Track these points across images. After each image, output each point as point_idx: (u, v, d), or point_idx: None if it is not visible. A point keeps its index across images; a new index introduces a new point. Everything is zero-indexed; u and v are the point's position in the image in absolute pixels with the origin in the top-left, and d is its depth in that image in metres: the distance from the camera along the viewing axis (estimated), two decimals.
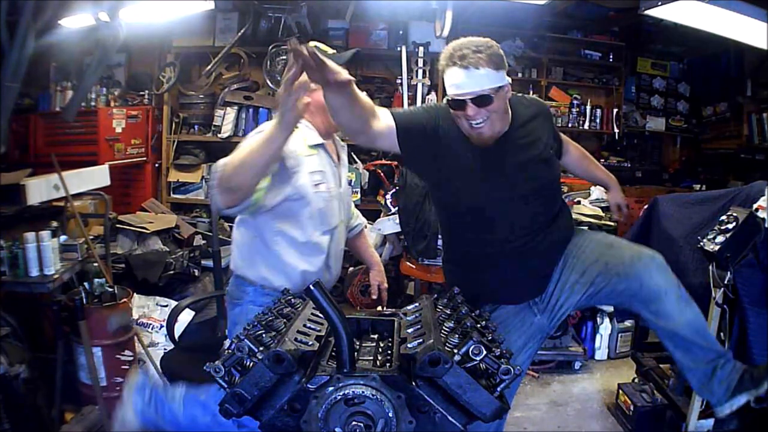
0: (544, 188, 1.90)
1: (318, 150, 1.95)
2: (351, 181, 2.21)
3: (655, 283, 1.86)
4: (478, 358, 1.16)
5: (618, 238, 2.10)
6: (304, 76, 1.45)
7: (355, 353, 1.26)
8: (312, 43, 1.90)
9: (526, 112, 1.91)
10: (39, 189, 2.91)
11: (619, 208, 2.33)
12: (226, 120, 4.84)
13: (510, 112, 1.85)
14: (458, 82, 1.69)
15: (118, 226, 3.73)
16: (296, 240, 1.90)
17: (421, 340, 1.22)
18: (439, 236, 3.44)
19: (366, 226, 2.52)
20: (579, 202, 3.99)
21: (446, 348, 1.18)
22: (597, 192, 4.03)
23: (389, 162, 4.11)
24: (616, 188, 2.33)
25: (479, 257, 1.93)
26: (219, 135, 4.89)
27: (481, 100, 1.69)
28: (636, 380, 3.19)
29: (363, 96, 1.59)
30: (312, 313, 1.42)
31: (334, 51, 1.96)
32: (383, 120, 1.72)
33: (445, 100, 1.79)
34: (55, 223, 2.90)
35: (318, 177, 1.91)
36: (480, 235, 1.88)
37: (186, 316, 3.14)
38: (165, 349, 3.05)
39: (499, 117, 1.77)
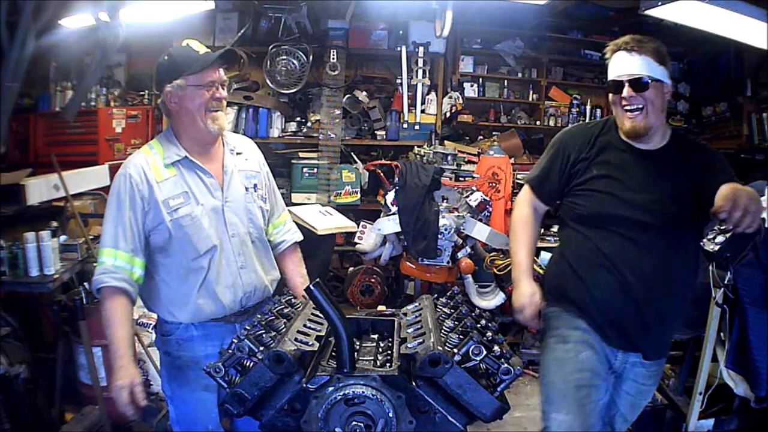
0: (674, 225, 1.78)
1: (177, 168, 1.81)
2: (255, 185, 1.93)
3: None
4: (478, 358, 1.16)
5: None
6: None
7: (355, 353, 1.26)
8: (185, 42, 1.84)
9: (687, 149, 1.86)
10: (39, 189, 2.91)
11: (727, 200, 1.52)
12: (226, 120, 4.84)
13: (667, 127, 1.87)
14: (619, 64, 1.79)
15: None
16: (169, 269, 1.82)
17: (421, 340, 1.22)
18: (434, 237, 3.45)
19: (296, 241, 2.13)
20: None
21: (446, 348, 1.18)
22: None
23: (389, 162, 4.11)
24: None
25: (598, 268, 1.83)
26: None
27: (637, 84, 1.75)
28: None
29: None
30: (312, 313, 1.41)
31: (208, 50, 1.83)
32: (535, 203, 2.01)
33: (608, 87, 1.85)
34: (55, 223, 2.90)
35: (177, 201, 1.78)
36: (606, 246, 1.80)
37: None
38: None
39: (654, 112, 1.78)
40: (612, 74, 1.81)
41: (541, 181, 1.98)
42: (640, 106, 1.76)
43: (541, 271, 3.15)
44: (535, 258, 3.27)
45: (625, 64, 1.77)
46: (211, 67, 1.79)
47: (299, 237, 2.14)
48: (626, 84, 1.77)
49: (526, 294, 1.91)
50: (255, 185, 1.95)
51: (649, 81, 1.75)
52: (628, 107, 1.78)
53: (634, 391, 1.90)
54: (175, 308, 1.83)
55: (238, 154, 1.96)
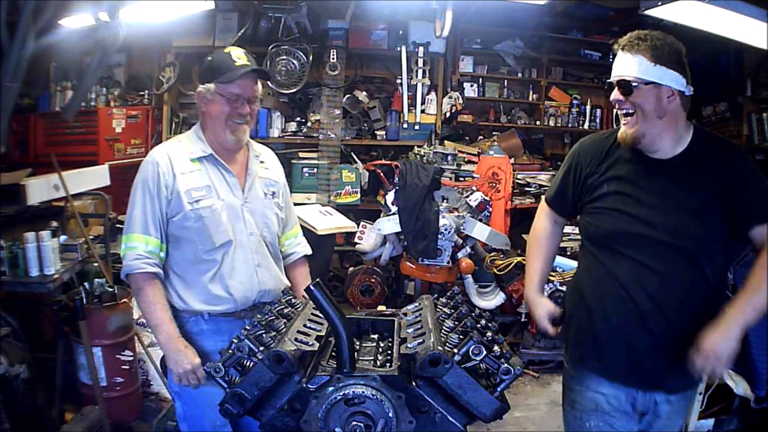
0: (694, 243, 1.61)
1: (202, 164, 1.85)
2: (273, 193, 2.00)
3: None
4: (478, 358, 1.17)
5: None
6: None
7: (355, 353, 1.26)
8: (228, 48, 1.85)
9: (710, 155, 1.66)
10: (39, 189, 2.91)
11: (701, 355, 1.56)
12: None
13: (685, 130, 1.68)
14: (614, 64, 1.66)
15: (118, 226, 3.72)
16: (178, 260, 1.84)
17: (421, 340, 1.22)
18: (434, 237, 3.45)
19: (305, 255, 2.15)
20: None
21: (446, 348, 1.18)
22: None
23: (389, 162, 4.11)
24: (719, 327, 1.54)
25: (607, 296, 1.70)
26: None
27: (623, 87, 1.61)
28: None
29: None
30: (312, 313, 1.42)
31: (247, 62, 1.82)
32: (554, 216, 1.97)
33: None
34: (55, 223, 2.90)
35: (200, 193, 1.82)
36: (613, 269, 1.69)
37: None
38: None
39: (645, 118, 1.61)
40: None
41: (558, 198, 1.90)
42: (630, 110, 1.63)
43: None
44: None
45: (616, 64, 1.65)
46: (241, 79, 1.79)
47: (309, 251, 2.18)
48: (615, 86, 1.64)
49: (542, 316, 1.89)
50: (273, 193, 1.99)
51: (635, 84, 1.59)
52: (620, 111, 1.68)
53: (659, 426, 1.77)
54: (187, 293, 1.84)
55: (261, 162, 2.00)
